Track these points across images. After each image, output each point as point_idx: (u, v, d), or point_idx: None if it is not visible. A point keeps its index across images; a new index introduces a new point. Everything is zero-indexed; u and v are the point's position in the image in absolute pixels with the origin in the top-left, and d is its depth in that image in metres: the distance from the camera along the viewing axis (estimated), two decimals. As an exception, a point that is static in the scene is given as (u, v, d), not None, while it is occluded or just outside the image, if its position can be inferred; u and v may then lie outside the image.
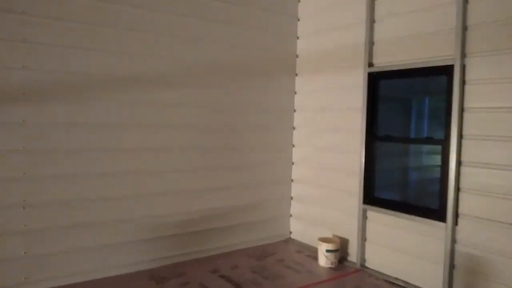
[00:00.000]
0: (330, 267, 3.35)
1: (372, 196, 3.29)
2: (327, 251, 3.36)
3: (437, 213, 2.79)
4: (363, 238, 3.33)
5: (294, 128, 4.09)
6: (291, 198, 4.11)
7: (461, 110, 2.68)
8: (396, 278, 3.07)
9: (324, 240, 3.45)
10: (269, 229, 3.97)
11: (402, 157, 3.34)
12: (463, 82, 2.67)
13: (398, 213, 3.05)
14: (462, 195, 2.68)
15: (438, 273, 2.78)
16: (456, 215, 2.69)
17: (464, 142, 2.68)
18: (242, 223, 3.77)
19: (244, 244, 3.79)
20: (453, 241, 2.70)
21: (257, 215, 3.86)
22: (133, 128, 3.13)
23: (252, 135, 3.80)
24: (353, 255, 3.45)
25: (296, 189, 4.07)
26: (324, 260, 3.38)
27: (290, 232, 4.12)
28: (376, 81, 3.26)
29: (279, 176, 4.01)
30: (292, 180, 4.10)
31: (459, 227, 2.69)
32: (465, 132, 2.67)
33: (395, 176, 3.44)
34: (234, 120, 3.70)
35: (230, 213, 3.69)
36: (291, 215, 4.12)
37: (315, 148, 3.84)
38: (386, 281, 3.07)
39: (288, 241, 4.02)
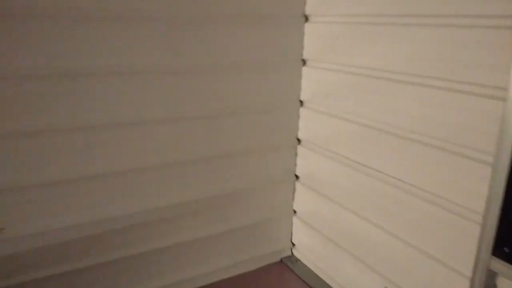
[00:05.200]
0: None
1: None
2: None
3: None
4: None
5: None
6: (296, 177, 1.91)
7: None
8: None
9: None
10: (247, 242, 1.87)
11: None
12: None
13: None
14: None
15: None
16: None
17: None
18: (183, 242, 1.69)
19: (185, 283, 1.76)
20: None
21: (217, 220, 1.74)
22: None
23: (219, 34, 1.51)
24: None
25: (306, 161, 1.84)
26: None
27: (292, 245, 2.01)
28: None
29: (269, 130, 1.77)
30: (298, 141, 1.85)
31: None
32: None
33: None
34: None
35: (160, 222, 1.59)
36: (294, 213, 1.96)
37: (348, 71, 1.50)
38: None
39: (285, 266, 1.93)
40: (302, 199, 1.88)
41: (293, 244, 1.98)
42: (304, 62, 1.72)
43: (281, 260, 1.96)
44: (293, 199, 1.91)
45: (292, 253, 1.99)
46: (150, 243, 1.61)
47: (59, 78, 1.28)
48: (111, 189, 1.47)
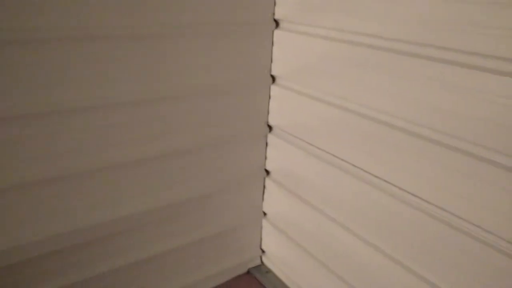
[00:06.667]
0: None
1: None
2: None
3: None
4: None
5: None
6: (266, 173, 1.52)
7: None
8: None
9: None
10: (208, 256, 1.48)
11: None
12: None
13: None
14: None
15: None
16: None
17: None
18: (131, 262, 1.28)
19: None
20: None
21: (171, 233, 1.34)
22: None
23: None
24: None
25: (278, 153, 1.44)
26: None
27: (262, 252, 1.65)
28: None
29: (232, 115, 1.35)
30: (269, 128, 1.45)
31: None
32: None
33: None
34: None
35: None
36: (264, 215, 1.59)
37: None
38: None
39: (253, 278, 1.58)
40: (274, 199, 1.51)
41: (263, 251, 1.63)
42: (277, 23, 1.29)
43: (248, 271, 1.61)
44: (262, 199, 1.54)
45: (262, 262, 1.64)
46: (91, 266, 1.22)
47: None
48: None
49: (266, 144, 1.44)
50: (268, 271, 1.60)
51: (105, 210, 1.18)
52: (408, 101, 0.94)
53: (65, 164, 1.06)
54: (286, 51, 1.29)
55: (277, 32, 1.29)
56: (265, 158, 1.47)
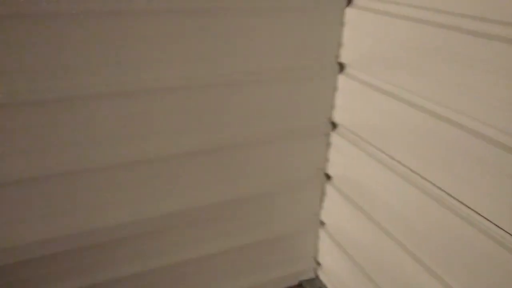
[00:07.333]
0: None
1: None
2: None
3: None
4: None
5: None
6: (327, 178, 1.30)
7: None
8: None
9: None
10: (258, 262, 1.34)
11: None
12: None
13: None
14: None
15: None
16: None
17: None
18: (175, 262, 1.19)
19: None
20: None
21: (220, 234, 1.22)
22: None
23: None
24: None
25: (342, 156, 1.21)
26: None
27: (318, 265, 1.45)
28: None
29: (290, 108, 1.15)
30: (333, 126, 1.22)
31: None
32: None
33: None
34: None
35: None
36: (322, 224, 1.39)
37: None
38: None
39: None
40: (334, 208, 1.29)
41: (319, 264, 1.43)
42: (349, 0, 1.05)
43: (300, 284, 1.43)
44: (321, 206, 1.33)
45: (316, 275, 1.45)
46: (130, 265, 1.15)
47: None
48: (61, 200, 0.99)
49: (329, 144, 1.23)
50: (322, 286, 1.41)
51: (147, 207, 1.08)
52: (523, 110, 0.66)
53: (111, 154, 0.98)
54: (360, 34, 1.04)
55: (349, 10, 1.05)
56: (327, 160, 1.25)
